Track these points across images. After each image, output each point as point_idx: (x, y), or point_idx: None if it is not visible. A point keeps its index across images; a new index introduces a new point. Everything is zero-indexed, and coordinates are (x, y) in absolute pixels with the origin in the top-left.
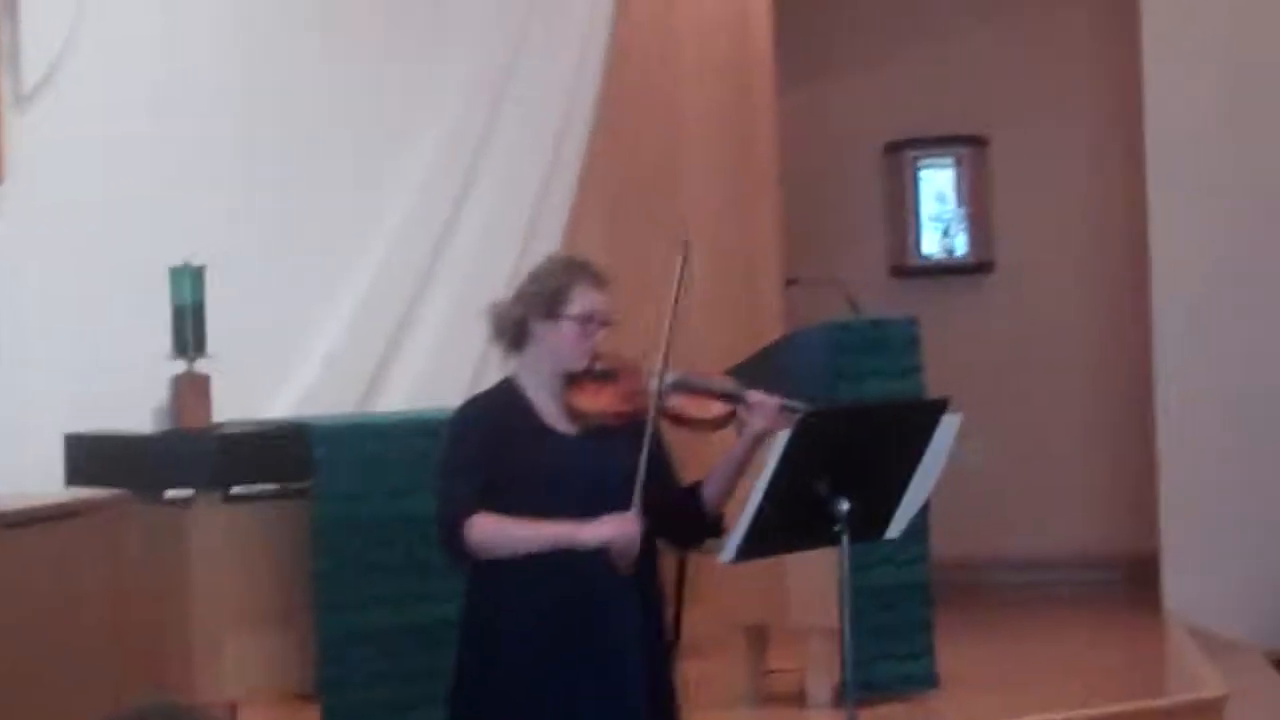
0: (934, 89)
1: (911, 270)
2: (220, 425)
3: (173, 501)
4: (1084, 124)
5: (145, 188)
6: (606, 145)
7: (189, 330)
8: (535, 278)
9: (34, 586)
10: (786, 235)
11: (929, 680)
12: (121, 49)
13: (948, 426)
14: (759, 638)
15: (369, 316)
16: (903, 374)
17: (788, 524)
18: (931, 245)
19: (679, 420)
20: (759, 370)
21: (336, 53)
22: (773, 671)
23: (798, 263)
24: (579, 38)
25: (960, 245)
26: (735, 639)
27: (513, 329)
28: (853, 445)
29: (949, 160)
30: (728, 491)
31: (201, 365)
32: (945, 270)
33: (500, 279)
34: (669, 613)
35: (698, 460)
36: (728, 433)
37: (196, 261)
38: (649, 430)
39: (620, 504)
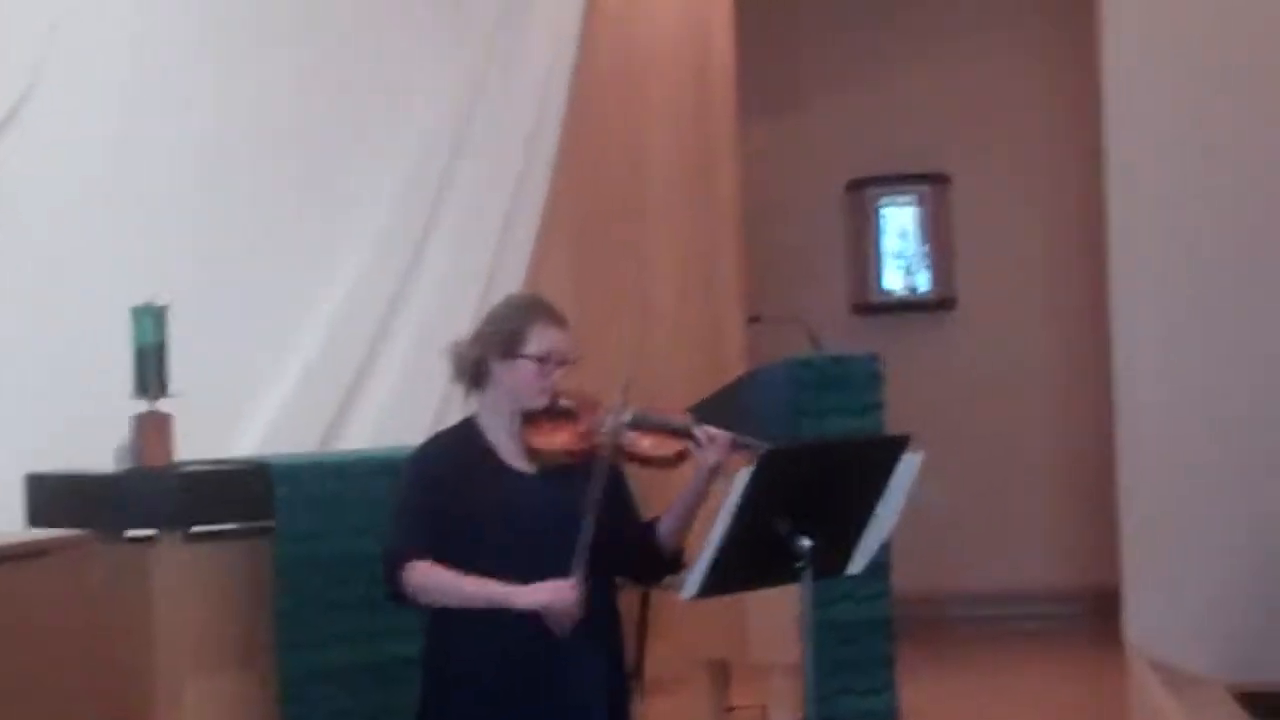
0: (895, 127)
1: (873, 307)
2: (182, 464)
3: (134, 540)
4: (1044, 161)
5: (107, 226)
6: (570, 183)
7: (151, 369)
8: (493, 318)
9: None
10: (749, 273)
11: (891, 716)
12: (85, 89)
13: (909, 464)
14: (721, 674)
15: (332, 355)
16: (864, 411)
17: (749, 561)
18: (893, 282)
19: (635, 458)
20: (721, 407)
21: (299, 95)
22: (735, 708)
23: (760, 300)
24: (541, 76)
25: (922, 282)
26: (697, 675)
27: (472, 369)
28: (814, 482)
29: (910, 198)
30: (684, 528)
31: (163, 404)
32: (907, 307)
33: (464, 317)
34: (631, 650)
35: (661, 496)
36: (690, 469)
37: (159, 301)
38: (598, 470)
39: (569, 542)
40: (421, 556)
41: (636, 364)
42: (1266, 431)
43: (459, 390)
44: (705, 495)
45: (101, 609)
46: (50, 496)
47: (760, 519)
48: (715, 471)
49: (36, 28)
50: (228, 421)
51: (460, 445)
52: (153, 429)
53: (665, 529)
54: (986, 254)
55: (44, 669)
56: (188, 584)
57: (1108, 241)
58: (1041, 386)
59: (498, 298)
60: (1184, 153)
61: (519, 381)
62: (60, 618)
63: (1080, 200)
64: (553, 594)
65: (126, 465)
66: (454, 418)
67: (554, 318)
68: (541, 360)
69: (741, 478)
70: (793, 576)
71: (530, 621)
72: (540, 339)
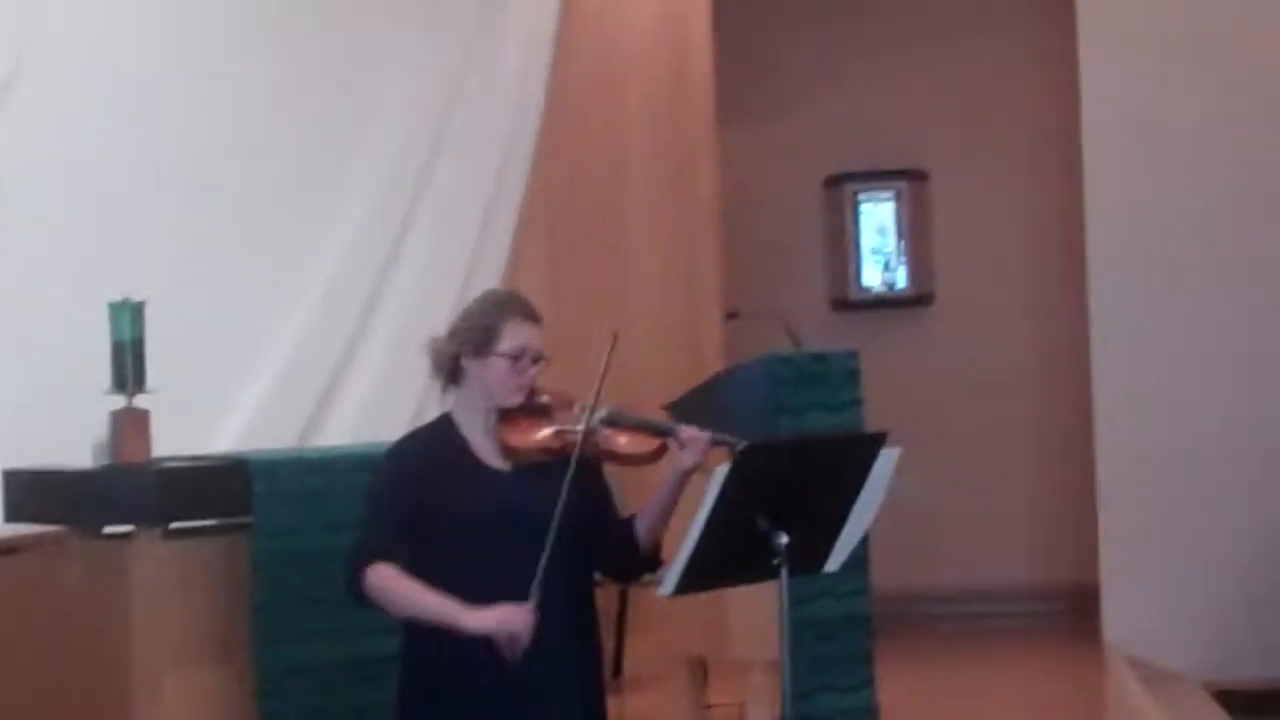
0: (873, 123)
1: (852, 303)
2: (160, 460)
3: (112, 536)
4: (1022, 157)
5: (85, 222)
6: (548, 182)
7: (128, 365)
8: (467, 315)
9: None
10: (728, 269)
11: (870, 712)
12: (63, 88)
13: (886, 460)
14: (698, 671)
15: (310, 351)
16: (842, 407)
17: (727, 558)
18: (872, 278)
19: (611, 456)
20: (700, 404)
21: (277, 94)
22: (713, 705)
23: (739, 296)
24: (518, 75)
25: (900, 278)
26: (676, 672)
27: (447, 366)
28: (791, 479)
29: (889, 194)
30: (661, 526)
31: (141, 400)
32: (886, 303)
33: (442, 313)
34: (610, 647)
35: (640, 494)
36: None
37: (136, 297)
38: (570, 470)
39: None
40: (385, 559)
41: (612, 361)
42: (1245, 432)
43: (437, 386)
44: (681, 493)
45: (79, 605)
46: (27, 493)
47: (738, 516)
48: (690, 470)
49: (12, 27)
50: (206, 417)
51: (436, 442)
52: (130, 425)
53: (642, 527)
54: (965, 250)
55: (21, 665)
56: (166, 580)
57: (1086, 238)
58: (1020, 383)
59: (476, 294)
60: (1162, 150)
61: (493, 379)
62: (37, 614)
63: (1058, 197)
64: (501, 621)
65: (104, 461)
66: (432, 414)
67: (528, 314)
68: (515, 358)
69: (719, 474)
70: (771, 573)
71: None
72: (513, 336)
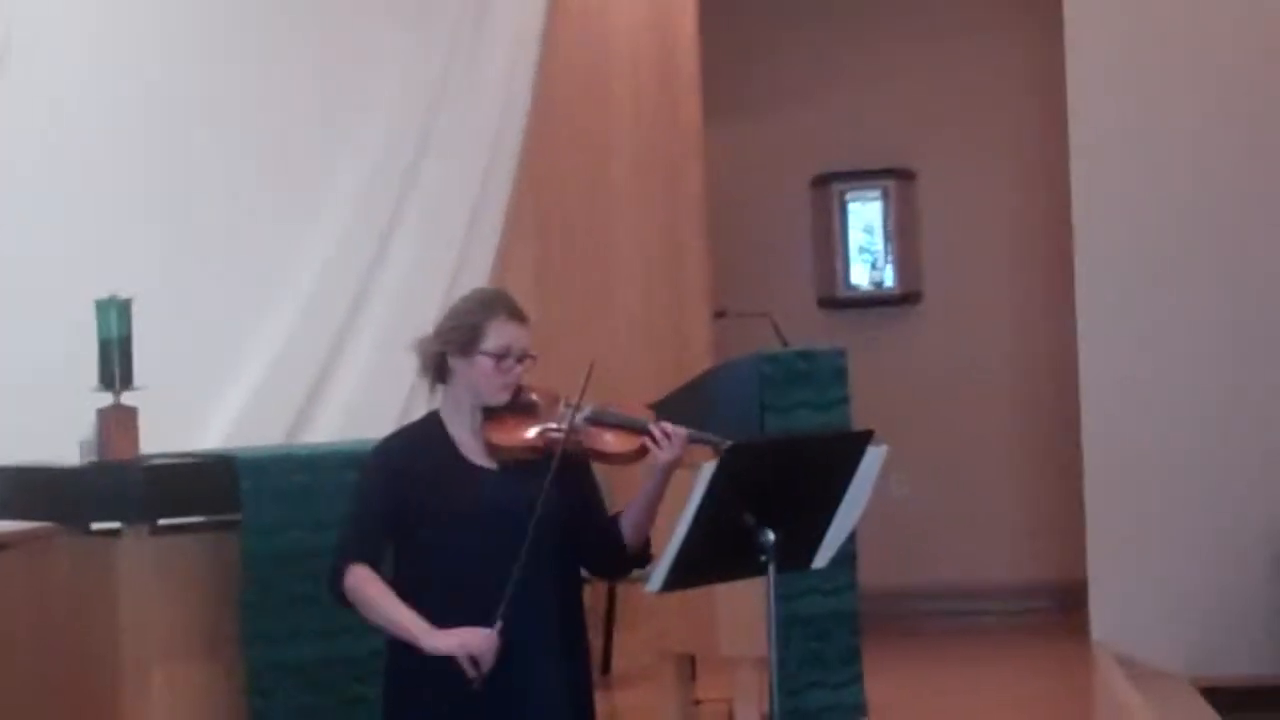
0: (861, 122)
1: (840, 302)
2: (147, 457)
3: (100, 534)
4: (1010, 156)
5: (71, 219)
6: (535, 179)
7: (115, 363)
8: (453, 314)
9: None
10: (715, 268)
11: (858, 709)
12: (49, 85)
13: (873, 458)
14: (687, 667)
15: (298, 349)
16: (830, 406)
17: (714, 554)
18: (860, 277)
19: (595, 454)
20: (687, 402)
21: (265, 87)
22: (701, 701)
23: (726, 295)
24: (505, 74)
25: (888, 277)
26: (664, 669)
27: (434, 364)
28: (778, 477)
29: (876, 193)
30: (646, 522)
31: (128, 398)
32: (873, 302)
33: (429, 311)
34: (598, 644)
35: (627, 492)
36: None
37: (123, 294)
38: (552, 469)
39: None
40: (365, 560)
41: (598, 360)
42: (1232, 430)
43: (425, 385)
44: (664, 489)
45: (66, 602)
46: (14, 490)
47: (725, 513)
48: (669, 466)
49: None
50: (193, 415)
51: (423, 440)
52: (117, 422)
53: (627, 524)
54: (952, 249)
55: (9, 662)
56: (153, 577)
57: (1073, 237)
58: (1007, 381)
59: (463, 293)
60: (1150, 150)
61: (478, 378)
62: (25, 611)
63: (1046, 196)
64: (461, 644)
65: (91, 458)
66: (420, 411)
67: (513, 313)
68: (499, 357)
69: (706, 471)
70: (758, 570)
71: (500, 606)
72: (498, 335)
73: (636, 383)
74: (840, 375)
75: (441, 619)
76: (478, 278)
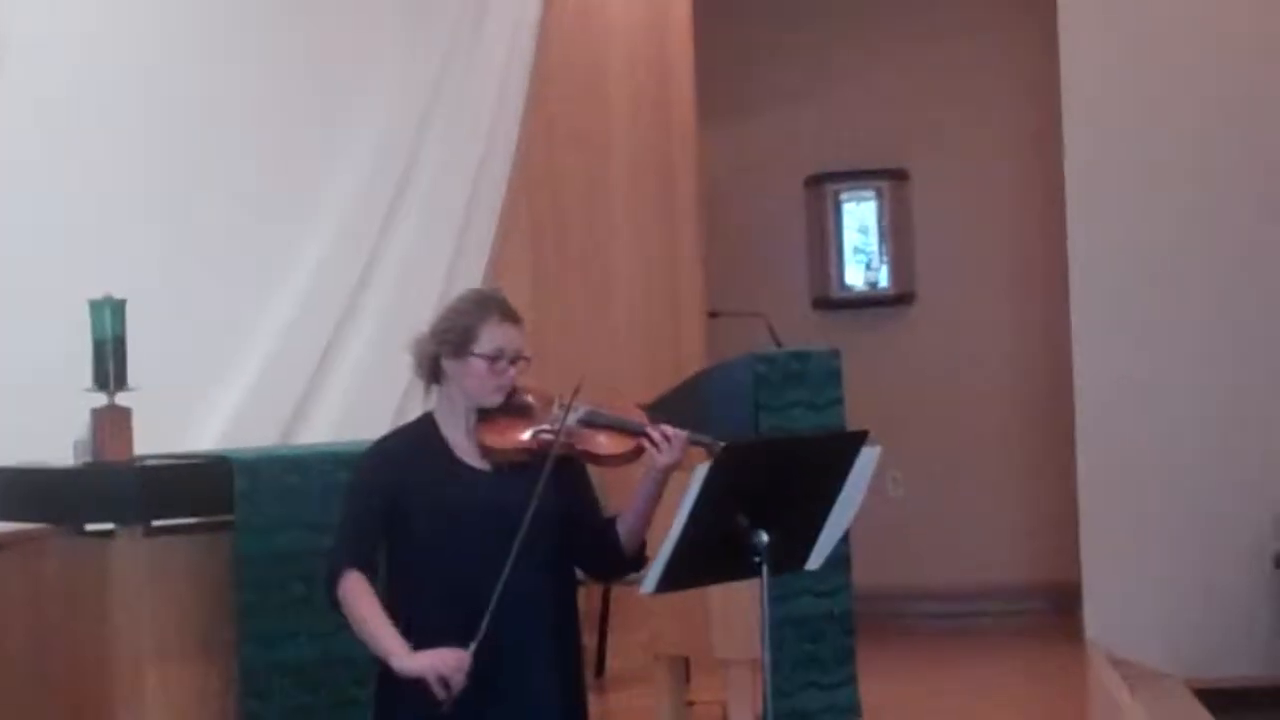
0: (854, 122)
1: (834, 302)
2: (142, 458)
3: (94, 534)
4: (1004, 155)
5: (71, 219)
6: (531, 180)
7: (110, 363)
8: (446, 315)
9: None
10: (709, 268)
11: (852, 710)
12: (39, 80)
13: (867, 458)
14: (681, 669)
15: (292, 349)
16: (824, 406)
17: (708, 556)
18: (854, 277)
19: (589, 456)
20: (680, 403)
21: (258, 84)
22: (695, 703)
23: (720, 295)
24: (500, 72)
25: (882, 277)
26: (658, 670)
27: (428, 365)
28: (772, 478)
29: (870, 193)
30: (642, 525)
31: (123, 398)
32: (867, 302)
33: (424, 311)
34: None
35: (623, 494)
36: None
37: (117, 294)
38: (545, 472)
39: (527, 540)
40: (358, 566)
41: (593, 360)
42: (1227, 431)
43: (420, 384)
44: (661, 491)
45: (60, 603)
46: (8, 490)
47: (719, 514)
48: (668, 468)
49: None
50: (187, 415)
51: (417, 441)
52: (112, 423)
53: (624, 527)
54: (946, 249)
55: (2, 662)
56: (147, 578)
57: (1067, 237)
58: (1001, 382)
59: (458, 292)
60: (1144, 150)
61: (471, 379)
62: (18, 612)
63: (1040, 196)
64: (431, 666)
65: (86, 459)
66: (415, 412)
67: (506, 314)
68: (493, 358)
69: (699, 473)
70: (752, 571)
71: (490, 630)
72: (491, 337)
73: (631, 383)
74: (835, 376)
75: (435, 621)
76: (473, 278)
